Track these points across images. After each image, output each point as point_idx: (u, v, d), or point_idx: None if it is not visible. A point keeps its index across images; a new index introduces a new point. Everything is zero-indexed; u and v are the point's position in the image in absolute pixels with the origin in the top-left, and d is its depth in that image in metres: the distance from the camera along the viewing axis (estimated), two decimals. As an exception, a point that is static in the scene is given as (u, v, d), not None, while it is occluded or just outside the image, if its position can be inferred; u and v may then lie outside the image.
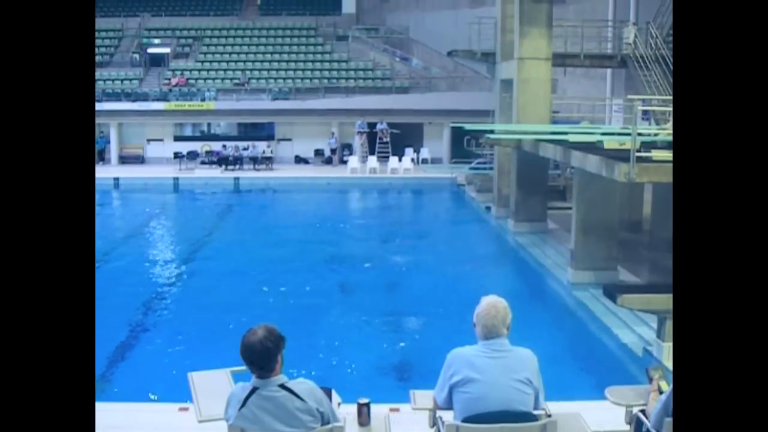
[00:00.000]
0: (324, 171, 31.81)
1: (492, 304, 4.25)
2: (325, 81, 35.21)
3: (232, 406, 4.02)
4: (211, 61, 37.45)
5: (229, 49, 38.44)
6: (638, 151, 9.92)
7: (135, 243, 18.81)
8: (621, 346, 9.89)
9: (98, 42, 36.97)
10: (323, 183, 29.79)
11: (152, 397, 7.99)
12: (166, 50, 38.34)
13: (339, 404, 4.76)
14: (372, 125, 32.96)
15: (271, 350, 3.92)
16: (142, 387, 8.61)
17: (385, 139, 32.98)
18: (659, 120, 16.32)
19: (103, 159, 34.10)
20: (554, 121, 19.04)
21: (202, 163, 32.42)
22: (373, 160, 30.88)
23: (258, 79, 35.58)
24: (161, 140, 34.98)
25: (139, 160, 34.71)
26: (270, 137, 34.75)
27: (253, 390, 3.95)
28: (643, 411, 4.76)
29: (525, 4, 17.43)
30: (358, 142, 33.17)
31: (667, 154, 10.10)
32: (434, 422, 4.66)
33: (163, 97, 34.08)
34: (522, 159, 17.55)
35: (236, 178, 30.05)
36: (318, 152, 34.53)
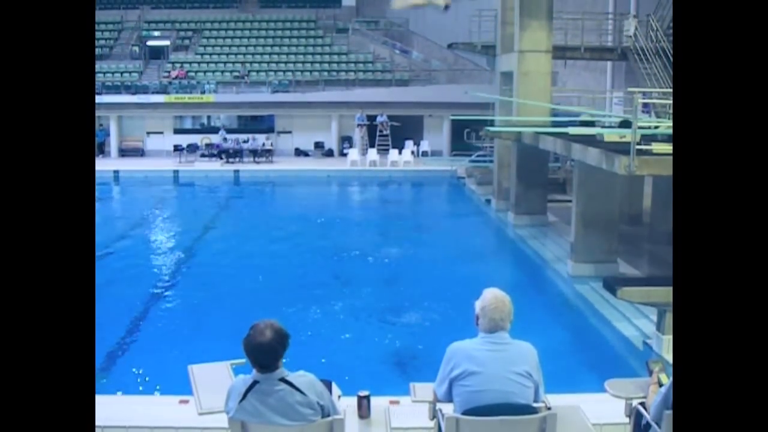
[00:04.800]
0: (324, 164, 31.81)
1: (499, 298, 4.25)
2: (325, 73, 35.17)
3: (233, 399, 4.02)
4: (210, 54, 37.40)
5: (228, 41, 38.38)
6: (638, 143, 9.91)
7: (134, 236, 18.81)
8: (621, 339, 9.89)
9: (98, 35, 36.89)
10: (323, 176, 29.79)
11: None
12: (166, 43, 38.28)
13: (339, 397, 4.77)
14: (372, 118, 32.93)
15: (278, 350, 3.93)
16: (142, 379, 8.63)
17: (385, 132, 32.93)
18: (659, 113, 16.32)
19: (103, 152, 34.08)
20: (554, 114, 19.02)
21: (202, 155, 32.41)
22: (373, 153, 30.84)
23: (258, 71, 35.53)
24: (161, 133, 34.96)
25: (139, 152, 34.69)
26: (270, 130, 34.74)
27: (254, 383, 3.96)
28: (642, 404, 4.77)
29: (525, -4, 17.40)
30: (358, 135, 33.14)
31: (668, 147, 10.10)
32: (434, 415, 4.67)
33: (163, 90, 34.03)
34: (522, 152, 17.54)
35: (236, 171, 30.04)
36: (318, 145, 34.53)
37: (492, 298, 4.25)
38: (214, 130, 34.81)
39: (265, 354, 3.90)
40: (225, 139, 32.66)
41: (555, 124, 15.77)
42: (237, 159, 31.52)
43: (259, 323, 3.96)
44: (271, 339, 3.89)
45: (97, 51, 35.81)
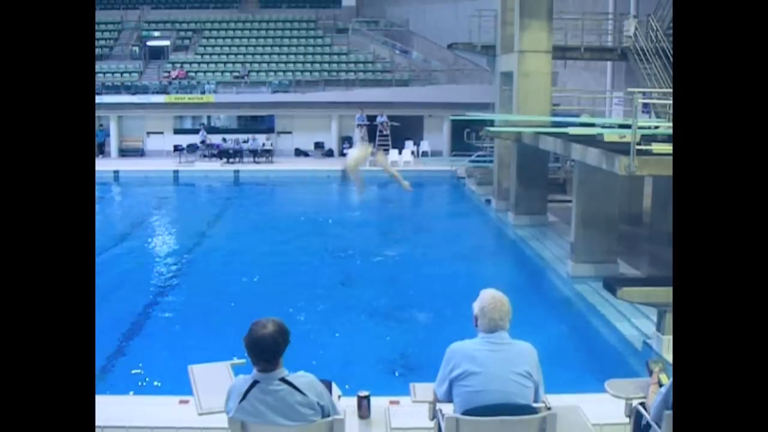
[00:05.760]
0: (324, 164, 31.81)
1: (497, 298, 4.26)
2: (325, 74, 35.17)
3: (233, 399, 4.02)
4: (210, 54, 37.39)
5: (228, 41, 38.38)
6: (638, 144, 9.91)
7: (133, 236, 18.80)
8: (621, 339, 9.89)
9: (98, 35, 36.88)
10: (323, 176, 29.79)
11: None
12: (166, 43, 38.28)
13: (339, 397, 4.77)
14: (372, 118, 32.91)
15: (280, 345, 3.92)
16: (142, 380, 8.63)
17: (385, 132, 32.92)
18: (659, 113, 16.32)
19: (103, 152, 34.09)
20: (554, 114, 19.02)
21: (202, 156, 32.40)
22: (373, 153, 30.80)
23: (258, 71, 35.53)
24: (161, 133, 34.96)
25: (139, 152, 34.71)
26: (270, 130, 34.74)
27: (254, 383, 3.96)
28: (642, 404, 4.77)
29: (525, -4, 17.40)
30: (358, 135, 33.08)
31: (668, 147, 10.10)
32: (434, 415, 4.67)
33: (163, 90, 34.04)
34: (522, 152, 17.54)
35: (236, 171, 30.04)
36: (318, 145, 34.53)
37: (490, 298, 4.26)
38: (216, 131, 34.84)
39: (266, 348, 3.89)
40: (204, 141, 32.68)
41: (555, 125, 15.76)
42: (237, 159, 31.51)
43: (261, 319, 3.97)
44: (273, 332, 3.89)
45: (97, 51, 35.82)
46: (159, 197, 26.43)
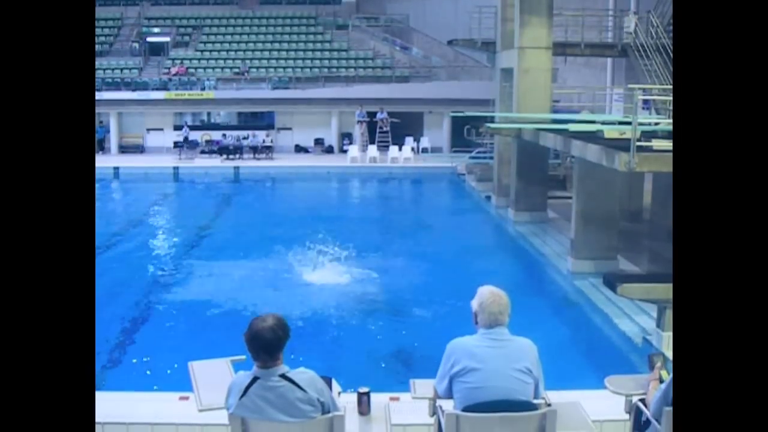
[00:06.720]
0: (324, 160, 31.81)
1: (495, 293, 4.27)
2: (325, 70, 35.15)
3: (233, 395, 4.03)
4: (210, 50, 37.37)
5: (228, 38, 38.35)
6: (638, 140, 9.91)
7: (134, 233, 18.80)
8: (621, 336, 9.90)
9: (98, 31, 36.84)
10: (323, 172, 29.78)
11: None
12: (166, 39, 38.23)
13: (339, 393, 4.78)
14: (372, 114, 32.91)
15: (281, 339, 3.94)
16: (143, 376, 8.64)
17: (385, 129, 32.92)
18: (660, 109, 16.31)
19: (103, 148, 34.06)
20: (554, 111, 19.01)
21: (202, 152, 32.38)
22: (373, 150, 30.84)
23: (258, 68, 35.51)
24: (161, 129, 34.94)
25: (139, 149, 34.68)
26: (270, 126, 34.72)
27: (255, 379, 3.96)
28: (642, 400, 4.78)
29: (525, -8, 17.38)
30: (358, 132, 33.14)
31: (668, 144, 10.10)
32: (434, 411, 4.68)
33: (163, 87, 34.01)
34: (522, 148, 17.54)
35: (236, 168, 30.03)
36: (318, 141, 34.54)
37: (489, 293, 4.27)
38: (216, 127, 34.80)
39: (268, 343, 3.89)
40: (186, 137, 32.64)
41: (555, 121, 15.75)
42: (237, 156, 31.49)
43: (261, 314, 3.99)
44: (273, 325, 3.91)
45: (97, 47, 35.79)
46: (159, 193, 26.42)
